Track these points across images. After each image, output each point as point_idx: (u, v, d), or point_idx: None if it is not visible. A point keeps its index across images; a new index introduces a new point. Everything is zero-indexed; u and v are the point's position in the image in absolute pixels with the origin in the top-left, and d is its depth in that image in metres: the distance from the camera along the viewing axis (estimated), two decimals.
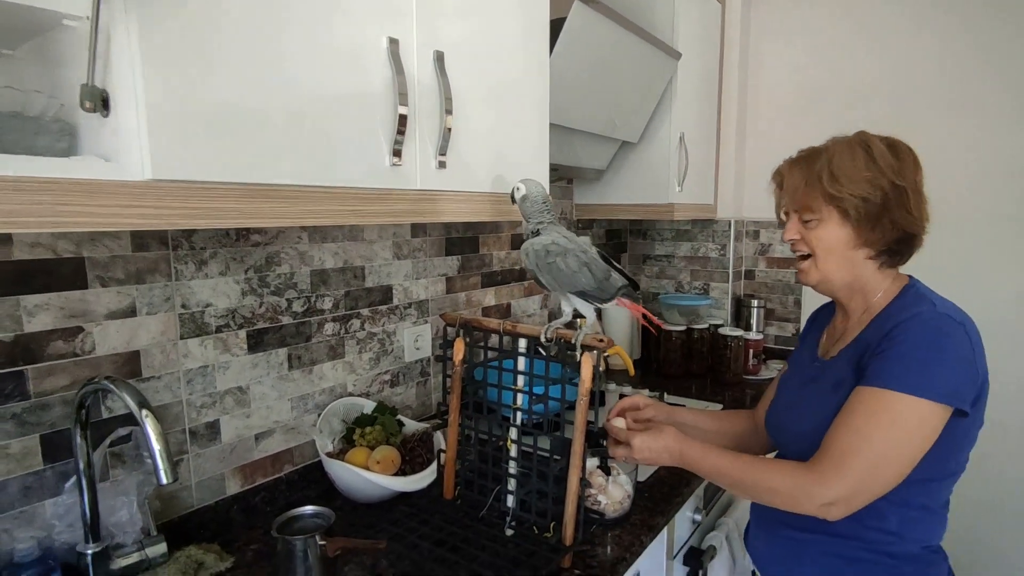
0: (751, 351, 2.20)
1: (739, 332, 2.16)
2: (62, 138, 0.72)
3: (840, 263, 1.00)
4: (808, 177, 0.99)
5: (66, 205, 0.63)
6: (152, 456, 0.77)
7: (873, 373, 0.90)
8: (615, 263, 1.13)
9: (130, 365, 1.02)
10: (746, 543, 1.18)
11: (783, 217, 1.08)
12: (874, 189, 0.94)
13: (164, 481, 0.76)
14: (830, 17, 2.19)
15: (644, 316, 1.20)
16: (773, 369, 2.26)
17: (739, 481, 0.97)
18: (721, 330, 2.18)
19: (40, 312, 0.92)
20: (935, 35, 2.03)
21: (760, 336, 2.24)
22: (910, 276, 1.04)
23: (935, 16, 2.02)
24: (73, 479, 0.90)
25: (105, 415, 0.99)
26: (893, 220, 0.95)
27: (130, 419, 1.00)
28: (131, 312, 1.02)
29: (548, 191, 1.11)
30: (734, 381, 2.15)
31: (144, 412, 0.78)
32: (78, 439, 0.86)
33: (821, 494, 0.88)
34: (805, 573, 1.03)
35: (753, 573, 1.16)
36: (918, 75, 2.06)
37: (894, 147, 0.97)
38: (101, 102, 0.68)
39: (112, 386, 0.80)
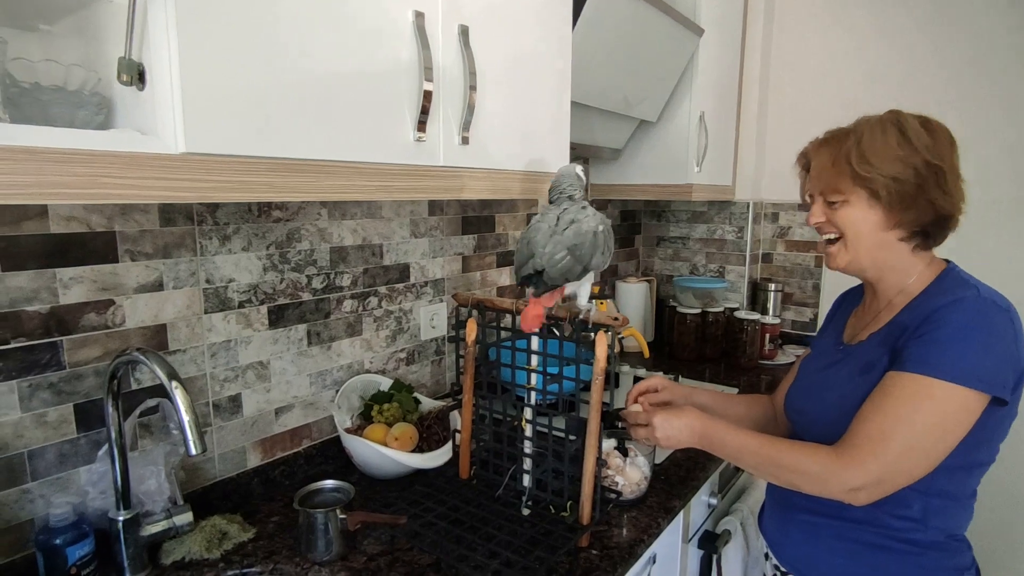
0: (767, 336, 2.19)
1: (755, 316, 2.15)
2: (100, 111, 0.73)
3: (870, 245, 0.97)
4: (835, 157, 0.96)
5: (105, 177, 0.63)
6: (182, 427, 0.78)
7: (911, 357, 0.88)
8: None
9: (158, 338, 1.04)
10: (760, 525, 1.19)
11: (808, 200, 1.05)
12: (906, 168, 0.91)
13: (193, 452, 0.78)
14: (849, 14, 2.14)
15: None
16: (790, 354, 2.25)
17: (764, 461, 0.96)
18: (737, 314, 2.17)
19: (75, 285, 0.93)
20: (970, 13, 1.97)
21: (777, 320, 2.23)
22: (948, 260, 1.01)
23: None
24: (105, 447, 0.92)
25: (134, 387, 1.00)
26: (929, 200, 0.92)
27: (158, 391, 1.02)
28: (159, 286, 1.03)
29: (578, 172, 1.09)
30: (749, 366, 2.14)
31: (174, 384, 0.79)
32: (110, 409, 0.88)
33: (851, 478, 0.87)
34: (821, 557, 1.02)
35: (767, 555, 1.17)
36: (949, 56, 2.01)
37: (928, 125, 0.94)
38: (138, 75, 0.68)
39: (143, 358, 0.82)
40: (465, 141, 1.04)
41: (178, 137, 0.68)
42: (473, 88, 1.01)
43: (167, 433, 1.03)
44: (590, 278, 1.12)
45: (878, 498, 0.89)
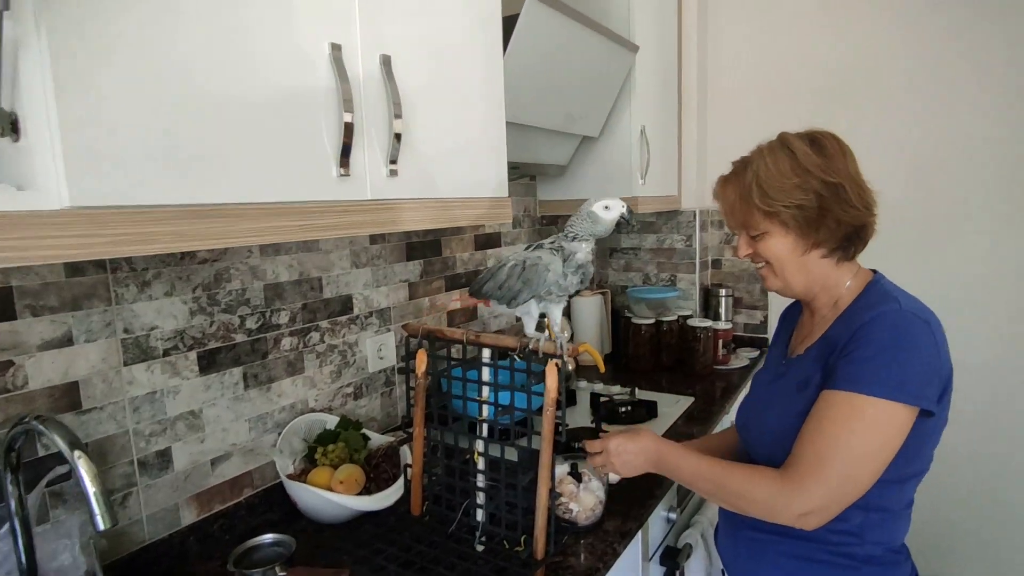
0: (721, 341, 2.21)
1: (708, 323, 2.16)
2: None
3: (796, 269, 0.99)
4: (741, 193, 0.98)
5: None
6: (88, 500, 0.71)
7: (842, 376, 0.89)
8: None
9: (68, 397, 0.96)
10: (716, 543, 1.18)
11: (733, 232, 1.07)
12: (806, 193, 0.92)
13: (101, 527, 0.71)
14: (787, 2, 2.19)
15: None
16: (744, 358, 2.27)
17: (716, 488, 0.96)
18: (690, 321, 2.18)
19: None
20: (894, 19, 2.03)
21: (729, 325, 2.25)
22: (874, 271, 1.03)
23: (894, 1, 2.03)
24: (7, 525, 0.84)
25: (41, 453, 0.93)
26: (836, 218, 0.93)
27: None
28: (67, 341, 0.96)
29: (590, 210, 1.07)
30: (705, 372, 2.15)
31: (76, 453, 0.72)
32: (8, 484, 0.80)
33: (798, 504, 0.87)
34: (766, 574, 1.02)
35: (722, 573, 1.16)
36: (877, 59, 2.07)
37: (817, 143, 0.95)
38: (10, 125, 0.62)
39: (41, 426, 0.75)
40: (394, 172, 1.00)
41: (61, 191, 0.62)
42: (399, 117, 0.97)
43: (83, 500, 0.95)
44: (532, 307, 1.10)
45: (829, 520, 0.88)
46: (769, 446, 0.99)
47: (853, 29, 2.10)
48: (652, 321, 2.21)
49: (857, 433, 0.86)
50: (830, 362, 0.93)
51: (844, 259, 0.99)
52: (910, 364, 0.86)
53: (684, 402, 1.85)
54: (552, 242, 1.08)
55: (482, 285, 1.11)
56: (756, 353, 2.34)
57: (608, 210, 1.05)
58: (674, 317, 2.24)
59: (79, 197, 0.63)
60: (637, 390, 1.90)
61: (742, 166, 1.00)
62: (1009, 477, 2.05)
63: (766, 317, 2.40)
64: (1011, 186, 1.95)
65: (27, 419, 0.77)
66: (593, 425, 1.58)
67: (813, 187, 0.92)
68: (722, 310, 2.36)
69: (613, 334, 2.41)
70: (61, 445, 0.73)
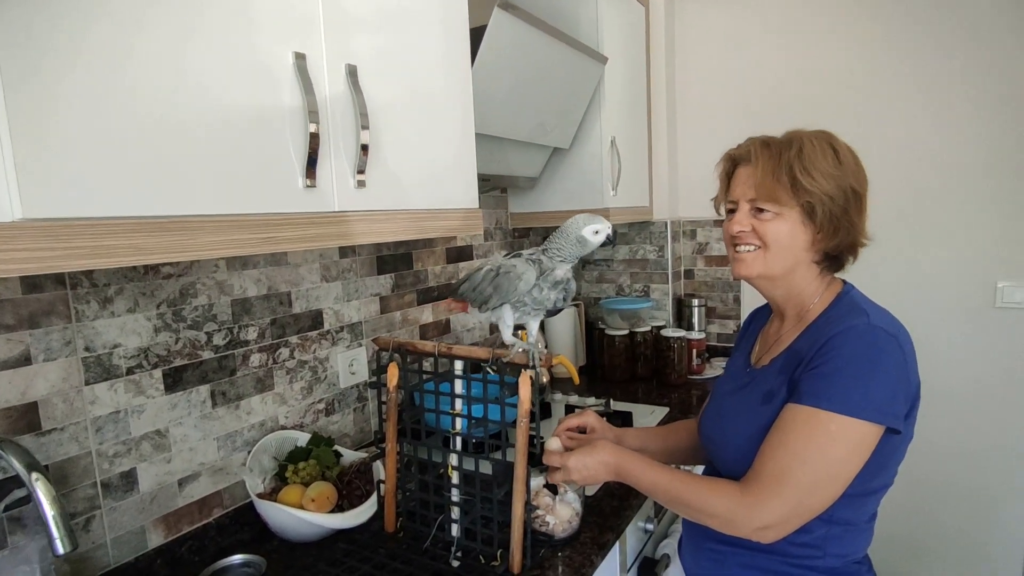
0: (694, 351, 2.22)
1: (681, 333, 2.18)
2: None
3: (788, 261, 0.96)
4: (776, 166, 0.92)
5: None
6: (46, 524, 0.69)
7: (806, 391, 0.88)
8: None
9: (27, 418, 0.93)
10: (679, 555, 1.17)
11: (727, 206, 1.01)
12: (839, 189, 0.91)
13: (60, 551, 0.69)
14: (752, 16, 2.25)
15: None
16: (718, 367, 2.29)
17: (675, 500, 0.95)
18: (663, 331, 2.19)
19: None
20: (869, 31, 2.08)
21: (702, 335, 2.27)
22: (844, 281, 1.02)
23: (854, 14, 2.09)
24: None
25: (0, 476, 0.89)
26: (851, 224, 0.93)
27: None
28: (25, 360, 0.93)
29: (580, 234, 1.09)
30: (679, 382, 2.16)
31: (34, 475, 0.70)
32: None
33: (757, 518, 0.87)
34: None
35: None
36: (843, 73, 2.12)
37: (853, 152, 0.96)
38: None
39: None
40: (361, 184, 0.99)
41: (12, 203, 0.60)
42: (365, 128, 0.97)
43: (44, 525, 0.92)
44: (506, 315, 1.10)
45: (787, 534, 0.88)
46: (733, 459, 0.98)
47: (820, 42, 2.15)
48: (626, 332, 2.22)
49: (819, 449, 0.85)
50: (795, 375, 0.91)
51: (827, 270, 0.99)
52: (876, 381, 0.85)
53: (659, 412, 1.86)
54: (531, 253, 1.08)
55: (460, 285, 1.11)
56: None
57: (597, 234, 1.06)
58: (648, 328, 2.25)
59: (31, 209, 0.62)
60: (612, 401, 1.90)
61: (779, 142, 0.95)
62: (979, 486, 2.09)
63: (738, 326, 2.43)
64: (988, 196, 2.00)
65: None
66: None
67: (844, 187, 0.91)
68: (695, 320, 2.39)
69: (587, 346, 2.41)
70: (18, 467, 0.70)
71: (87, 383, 1.00)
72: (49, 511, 0.69)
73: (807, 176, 0.90)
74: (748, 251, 0.98)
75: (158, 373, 1.10)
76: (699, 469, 1.32)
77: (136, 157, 0.70)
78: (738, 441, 0.97)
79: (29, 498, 0.91)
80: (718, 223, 2.40)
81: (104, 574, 1.02)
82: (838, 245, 0.95)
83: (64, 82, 0.64)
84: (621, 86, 2.04)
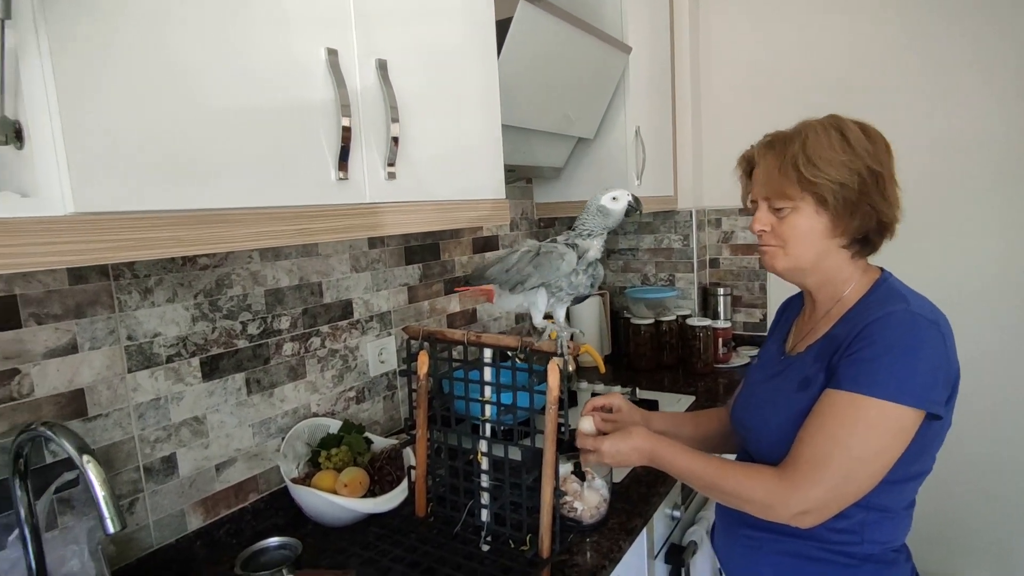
0: (720, 340, 2.21)
1: (707, 322, 2.17)
2: None
3: (813, 252, 0.95)
4: (781, 162, 0.93)
5: None
6: (97, 504, 0.72)
7: (846, 376, 0.87)
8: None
9: (74, 404, 0.97)
10: (712, 542, 1.18)
11: (750, 205, 1.03)
12: (851, 174, 0.90)
13: (111, 530, 0.72)
14: (777, 3, 2.21)
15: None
16: (745, 356, 2.28)
17: (711, 486, 0.95)
18: (689, 320, 2.19)
19: None
20: (893, 18, 2.04)
21: (728, 324, 2.26)
22: (882, 268, 1.01)
23: None
24: (16, 532, 0.84)
25: (49, 459, 0.93)
26: (872, 206, 0.92)
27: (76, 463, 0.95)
28: (72, 349, 0.96)
29: (600, 204, 1.10)
30: (705, 371, 2.16)
31: (85, 458, 0.73)
32: (17, 490, 0.81)
33: (796, 503, 0.86)
34: (763, 573, 1.01)
35: (720, 572, 1.15)
36: (869, 57, 2.09)
37: (867, 130, 0.94)
38: (14, 134, 0.63)
39: (50, 432, 0.76)
40: (392, 175, 1.01)
41: (65, 197, 0.63)
42: (395, 120, 0.98)
43: (91, 506, 0.96)
44: (540, 297, 1.11)
45: (825, 519, 0.88)
46: (769, 444, 0.98)
47: (848, 28, 2.11)
48: (651, 321, 2.22)
49: (858, 434, 0.85)
50: (833, 361, 0.91)
51: (859, 255, 0.97)
52: (917, 366, 0.84)
53: (686, 400, 1.86)
54: (566, 239, 1.09)
55: (485, 270, 1.11)
56: (756, 351, 2.35)
57: (616, 200, 1.06)
58: (673, 317, 2.25)
59: (82, 203, 0.64)
60: (638, 390, 1.90)
61: (786, 136, 0.96)
62: (1016, 475, 2.05)
63: (765, 315, 2.41)
64: (1016, 184, 1.95)
65: (34, 426, 0.78)
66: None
67: (858, 169, 0.90)
68: (721, 309, 2.37)
69: (613, 335, 2.41)
70: (70, 450, 0.73)
71: (129, 371, 1.04)
72: (100, 492, 0.72)
73: (812, 167, 0.90)
74: (771, 247, 0.99)
75: (196, 361, 1.13)
76: (730, 457, 1.32)
77: (177, 153, 0.72)
78: (773, 427, 0.97)
79: (77, 481, 0.96)
80: (743, 212, 2.37)
81: (147, 555, 1.06)
82: (861, 228, 0.94)
83: (111, 84, 0.66)
84: (645, 75, 2.03)
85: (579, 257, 1.06)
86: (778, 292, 2.16)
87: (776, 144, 0.97)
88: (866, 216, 0.92)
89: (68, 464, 0.94)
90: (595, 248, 1.07)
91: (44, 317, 0.93)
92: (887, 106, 2.03)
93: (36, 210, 0.62)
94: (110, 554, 0.99)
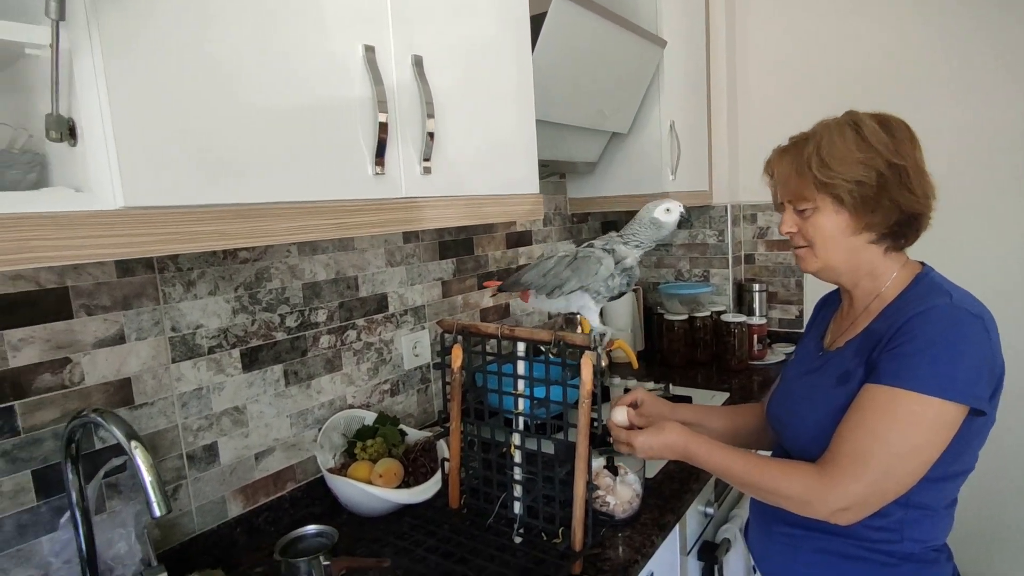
0: (755, 336, 2.18)
1: (742, 318, 2.14)
2: (32, 169, 0.70)
3: (840, 250, 0.95)
4: (798, 165, 0.95)
5: (36, 240, 0.60)
6: (144, 489, 0.75)
7: (887, 371, 0.86)
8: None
9: (122, 393, 1.00)
10: (746, 539, 1.16)
11: (778, 208, 1.04)
12: (868, 171, 0.89)
13: (157, 514, 0.75)
14: None
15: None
16: (780, 353, 2.24)
17: (747, 482, 0.95)
18: (723, 317, 2.15)
19: (25, 346, 0.90)
20: (927, 11, 1.99)
21: (763, 320, 2.22)
22: (923, 263, 0.99)
23: None
24: (68, 514, 0.88)
25: (98, 445, 0.97)
26: (893, 201, 0.90)
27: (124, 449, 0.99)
28: (120, 339, 1.00)
29: (653, 216, 1.08)
30: (740, 368, 2.13)
31: (133, 443, 0.76)
32: (69, 474, 0.84)
33: (834, 499, 0.85)
34: (799, 571, 1.00)
35: (753, 569, 1.14)
36: (909, 52, 2.03)
37: (886, 124, 0.92)
38: (68, 131, 0.66)
39: (100, 419, 0.79)
40: (427, 170, 1.02)
41: (115, 192, 0.65)
42: (431, 116, 0.99)
43: (137, 491, 1.00)
44: (587, 301, 1.10)
45: (865, 516, 0.86)
46: (806, 440, 0.97)
47: (886, 23, 2.05)
48: (685, 317, 2.19)
49: (899, 430, 0.83)
50: (873, 356, 0.90)
51: (893, 248, 0.96)
52: (961, 360, 0.82)
53: (720, 397, 1.83)
54: (604, 244, 1.09)
55: (521, 277, 1.12)
56: (792, 348, 2.30)
57: (669, 212, 1.06)
58: (707, 313, 2.22)
59: (132, 198, 0.66)
60: (671, 386, 1.89)
61: (802, 138, 0.97)
62: None
63: (801, 312, 2.36)
64: None
65: (85, 412, 0.81)
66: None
67: (876, 166, 0.89)
68: (756, 305, 2.33)
69: (646, 331, 2.39)
70: (119, 436, 0.76)
71: (173, 361, 1.07)
72: (147, 476, 0.75)
73: (825, 169, 0.91)
74: (801, 248, 1.00)
75: (236, 353, 1.16)
76: (765, 454, 1.30)
77: (221, 149, 0.74)
78: (811, 423, 0.96)
79: (125, 467, 0.99)
80: (779, 210, 2.33)
81: (189, 540, 1.09)
82: (884, 222, 0.92)
83: (158, 83, 0.68)
84: (680, 69, 2.00)
85: (616, 262, 1.05)
86: (815, 289, 2.11)
87: (791, 148, 0.98)
88: (887, 211, 0.91)
89: (116, 450, 0.98)
90: (633, 256, 1.07)
91: (94, 308, 0.96)
92: (927, 103, 1.97)
93: (89, 204, 0.65)
94: (155, 538, 1.02)
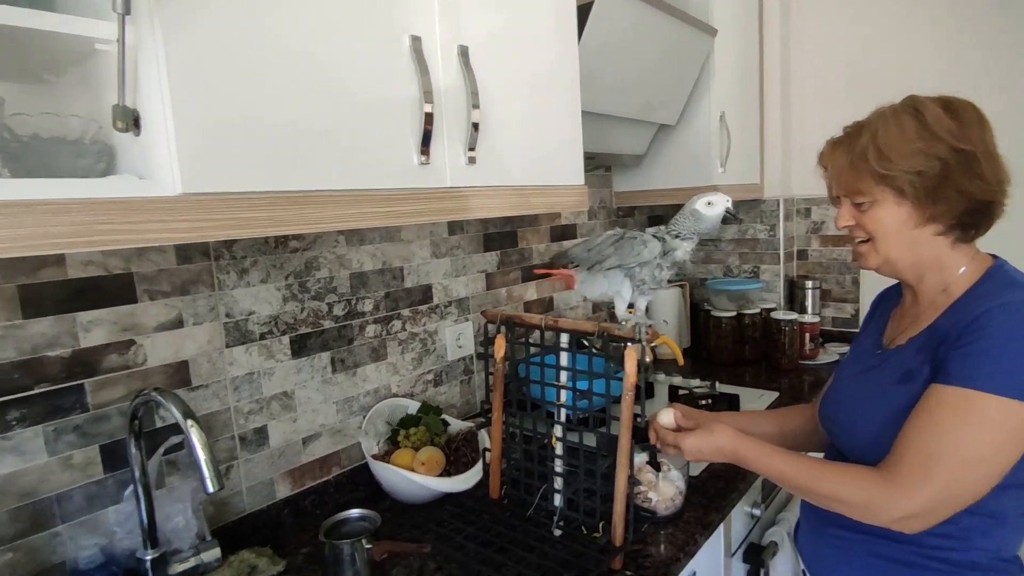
0: (807, 335, 2.11)
1: (793, 315, 2.07)
2: (101, 159, 0.74)
3: (903, 244, 0.90)
4: (852, 157, 0.90)
5: (102, 224, 0.64)
6: (198, 465, 0.78)
7: (957, 370, 0.81)
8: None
9: (180, 375, 1.05)
10: (796, 542, 1.12)
11: (833, 202, 0.99)
12: (930, 160, 0.84)
13: (210, 490, 0.78)
14: None
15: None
16: (833, 353, 2.16)
17: (803, 487, 0.91)
18: (774, 314, 2.09)
19: (94, 327, 0.95)
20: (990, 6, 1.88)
21: (816, 319, 2.15)
22: (995, 256, 0.93)
23: None
24: (131, 487, 0.93)
25: (159, 424, 1.02)
26: (960, 190, 0.84)
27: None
28: (178, 323, 1.04)
29: (694, 207, 1.09)
30: (790, 367, 2.06)
31: (189, 422, 0.79)
32: (132, 449, 0.89)
33: (900, 506, 0.80)
34: (851, 575, 0.96)
35: (804, 573, 1.10)
36: (973, 42, 1.92)
37: (951, 107, 0.86)
38: (132, 121, 0.69)
39: (160, 397, 0.82)
40: (472, 160, 1.02)
41: (175, 179, 0.68)
42: (476, 107, 1.00)
43: (194, 469, 1.04)
44: (623, 287, 1.09)
45: (933, 525, 0.82)
46: (865, 443, 0.92)
47: (950, 9, 1.94)
48: (734, 314, 2.14)
49: (971, 433, 0.78)
50: (939, 354, 0.85)
51: (962, 240, 0.90)
52: None
53: (768, 397, 1.78)
54: (656, 231, 1.08)
55: (568, 250, 1.13)
56: (846, 348, 2.22)
57: (711, 206, 1.04)
58: (757, 310, 2.16)
59: (190, 184, 0.69)
60: (718, 384, 1.84)
61: (856, 129, 0.92)
62: None
63: (857, 310, 2.27)
64: None
65: (147, 391, 0.85)
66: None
67: (939, 153, 0.84)
68: (808, 303, 2.26)
69: (692, 327, 2.35)
70: (176, 414, 0.80)
71: (227, 346, 1.11)
72: (201, 454, 0.78)
73: (884, 161, 0.86)
74: (862, 244, 0.95)
75: (286, 339, 1.20)
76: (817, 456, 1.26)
77: (274, 139, 0.77)
78: (869, 424, 0.91)
79: (182, 445, 1.04)
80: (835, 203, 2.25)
81: (240, 518, 1.13)
82: (950, 212, 0.86)
83: (216, 74, 0.71)
84: (731, 58, 1.95)
85: (665, 253, 1.04)
86: (872, 286, 2.02)
87: (845, 140, 0.93)
88: (954, 201, 0.85)
89: (176, 429, 1.01)
90: (683, 249, 1.06)
91: (155, 293, 1.01)
92: (998, 87, 1.86)
93: (151, 191, 0.68)
94: (209, 514, 1.06)
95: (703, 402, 1.65)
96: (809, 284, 2.25)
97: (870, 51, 2.10)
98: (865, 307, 2.10)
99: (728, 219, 1.06)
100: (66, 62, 0.77)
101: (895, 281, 1.04)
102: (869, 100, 1.01)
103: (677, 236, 1.05)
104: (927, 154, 0.84)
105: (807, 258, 2.35)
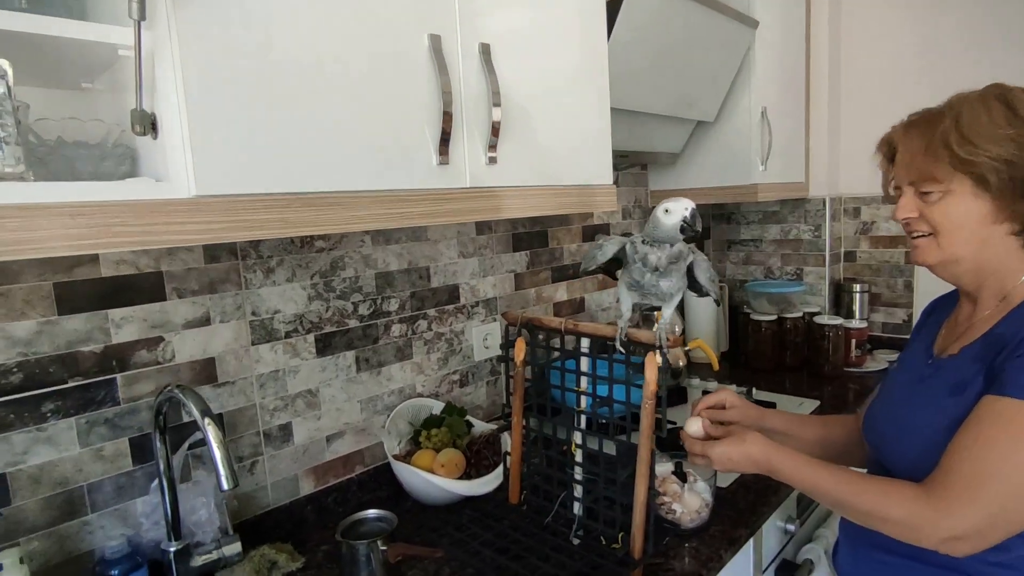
0: (853, 341, 2.02)
1: (838, 320, 1.98)
2: (123, 161, 0.76)
3: (972, 242, 0.83)
4: (930, 141, 0.82)
5: (119, 226, 0.65)
6: (213, 462, 0.79)
7: (1013, 380, 0.75)
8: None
9: (207, 371, 1.07)
10: (834, 562, 1.07)
11: (893, 192, 0.92)
12: (1020, 149, 0.77)
13: (225, 487, 0.79)
14: None
15: None
16: (882, 360, 2.06)
17: (841, 503, 0.85)
18: (817, 319, 2.01)
19: (126, 324, 0.98)
20: None
21: (864, 324, 2.05)
22: None
23: None
24: (157, 480, 0.95)
25: (185, 419, 1.04)
26: None
27: None
28: (206, 321, 1.07)
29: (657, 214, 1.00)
30: (834, 374, 1.98)
31: (206, 420, 0.81)
32: (157, 443, 0.91)
33: (947, 527, 0.75)
34: None
35: None
36: None
37: None
38: (150, 125, 0.70)
39: (180, 395, 0.84)
40: (493, 160, 1.01)
41: (189, 181, 0.69)
42: (497, 106, 0.98)
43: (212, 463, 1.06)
44: (621, 291, 1.06)
45: (983, 548, 0.76)
46: (912, 457, 0.86)
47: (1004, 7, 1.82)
48: (774, 318, 2.07)
49: None
50: (996, 364, 0.79)
51: None
52: None
53: (809, 405, 1.71)
54: (634, 236, 1.03)
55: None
56: (896, 355, 2.11)
57: (668, 213, 0.94)
58: (799, 314, 2.08)
59: (204, 187, 0.70)
60: (755, 390, 1.78)
61: (934, 114, 0.85)
62: None
63: (910, 316, 2.16)
64: None
65: (170, 388, 0.87)
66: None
67: None
68: (856, 307, 2.16)
69: (731, 331, 2.28)
70: (194, 412, 0.81)
71: (253, 343, 1.13)
72: (217, 452, 0.80)
73: (968, 146, 0.79)
74: (921, 238, 0.88)
75: (311, 338, 1.21)
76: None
77: (286, 140, 0.77)
78: (918, 438, 0.86)
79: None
80: (886, 200, 2.13)
81: (263, 513, 1.15)
82: None
83: (231, 78, 0.71)
84: (774, 51, 1.87)
85: (641, 257, 0.98)
86: (926, 290, 1.92)
87: (920, 123, 0.86)
88: None
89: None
90: (653, 255, 0.97)
91: (184, 292, 1.04)
92: None
93: (167, 192, 0.69)
94: (232, 508, 1.09)
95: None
96: (857, 287, 2.16)
97: (929, 46, 1.98)
98: (918, 312, 2.00)
99: (685, 230, 0.93)
100: (98, 68, 0.79)
101: (952, 287, 0.97)
102: (925, 97, 0.93)
103: (643, 241, 0.99)
104: (1017, 142, 0.77)
105: (855, 260, 2.25)
